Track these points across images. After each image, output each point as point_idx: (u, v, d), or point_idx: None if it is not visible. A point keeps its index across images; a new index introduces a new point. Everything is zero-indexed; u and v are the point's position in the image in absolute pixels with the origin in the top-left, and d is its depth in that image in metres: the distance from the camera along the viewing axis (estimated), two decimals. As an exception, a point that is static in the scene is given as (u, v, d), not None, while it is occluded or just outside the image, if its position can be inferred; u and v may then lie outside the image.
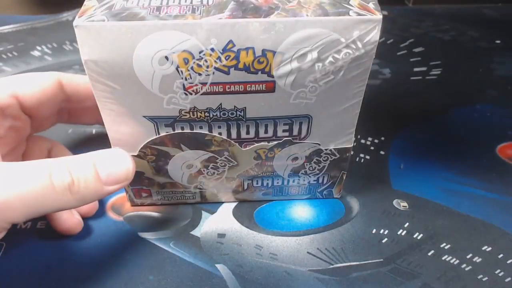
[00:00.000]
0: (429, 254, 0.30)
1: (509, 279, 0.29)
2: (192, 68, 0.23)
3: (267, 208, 0.33)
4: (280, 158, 0.29)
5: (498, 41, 0.55)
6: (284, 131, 0.27)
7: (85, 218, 0.32)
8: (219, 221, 0.32)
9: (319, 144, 0.29)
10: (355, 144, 0.39)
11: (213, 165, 0.30)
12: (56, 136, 0.36)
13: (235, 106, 0.26)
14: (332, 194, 0.33)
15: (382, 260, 0.30)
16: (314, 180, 0.32)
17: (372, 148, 0.39)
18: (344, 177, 0.32)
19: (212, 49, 0.23)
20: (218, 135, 0.27)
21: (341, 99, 0.26)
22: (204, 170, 0.30)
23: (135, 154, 0.28)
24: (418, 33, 0.57)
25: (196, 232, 0.31)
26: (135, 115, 0.26)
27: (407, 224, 0.32)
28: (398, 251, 0.30)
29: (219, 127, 0.27)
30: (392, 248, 0.31)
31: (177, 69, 0.23)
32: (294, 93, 0.25)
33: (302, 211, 0.33)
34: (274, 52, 0.23)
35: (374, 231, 0.32)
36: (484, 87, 0.47)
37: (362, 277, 0.29)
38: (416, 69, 0.50)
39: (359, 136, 0.40)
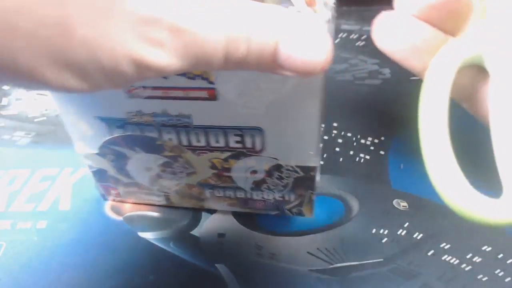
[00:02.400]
0: (429, 254, 0.30)
1: (509, 279, 0.29)
2: None
3: (267, 208, 0.33)
4: (238, 170, 0.28)
5: (498, 41, 0.55)
6: (236, 142, 0.27)
7: (85, 218, 0.32)
8: (219, 221, 0.32)
9: (278, 159, 0.27)
10: (354, 143, 0.39)
11: (170, 170, 0.29)
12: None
13: (180, 113, 0.25)
14: (302, 213, 0.32)
15: (382, 260, 0.30)
16: (280, 197, 0.30)
17: (372, 148, 0.39)
18: (313, 198, 0.30)
19: None
20: (169, 141, 0.27)
21: (293, 116, 0.25)
22: (163, 174, 0.30)
23: (96, 152, 0.28)
24: (418, 33, 0.57)
25: (196, 232, 0.31)
26: (88, 116, 0.26)
27: (407, 224, 0.32)
28: (398, 251, 0.30)
29: (168, 132, 0.26)
30: (392, 248, 0.31)
31: None
32: (238, 102, 0.24)
33: (302, 211, 0.33)
34: None
35: (374, 231, 0.32)
36: (484, 87, 0.47)
37: (362, 277, 0.29)
38: (416, 69, 0.50)
39: (359, 136, 0.40)
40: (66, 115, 0.27)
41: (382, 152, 0.38)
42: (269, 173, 0.28)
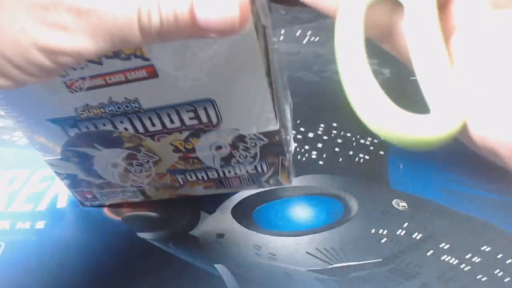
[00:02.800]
0: (428, 254, 0.30)
1: (508, 279, 0.29)
2: None
3: (266, 208, 0.33)
4: (202, 148, 0.28)
5: (498, 41, 0.55)
6: (191, 118, 0.26)
7: (84, 218, 0.32)
8: (218, 221, 0.32)
9: (238, 130, 0.26)
10: (354, 144, 0.39)
11: (136, 163, 0.29)
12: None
13: (126, 98, 0.24)
14: (279, 182, 0.31)
15: (381, 260, 0.30)
16: (253, 170, 0.30)
17: (371, 148, 0.39)
18: (287, 164, 0.29)
19: None
20: (125, 131, 0.26)
21: (238, 79, 0.24)
22: (130, 168, 0.29)
23: (59, 157, 0.28)
24: (418, 33, 0.57)
25: (195, 232, 0.31)
26: (40, 120, 0.25)
27: (406, 224, 0.32)
28: (397, 251, 0.30)
29: (121, 122, 0.26)
30: (391, 248, 0.30)
31: None
32: (180, 75, 0.23)
33: (301, 211, 0.33)
34: None
35: (373, 231, 0.32)
36: (484, 87, 0.47)
37: (361, 277, 0.29)
38: (415, 69, 0.49)
39: (358, 136, 0.40)
40: (20, 123, 0.26)
41: (381, 152, 0.38)
42: (234, 146, 0.28)
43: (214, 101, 0.25)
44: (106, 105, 0.25)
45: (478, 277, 0.29)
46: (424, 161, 0.37)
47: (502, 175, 0.36)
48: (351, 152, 0.38)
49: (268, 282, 0.28)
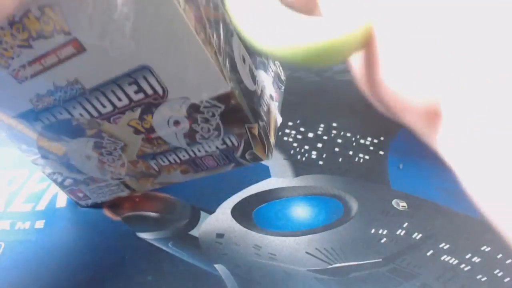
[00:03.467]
0: (428, 254, 0.30)
1: (508, 279, 0.29)
2: (2, 54, 0.23)
3: (265, 208, 0.33)
4: (160, 126, 0.27)
5: (498, 41, 0.55)
6: (136, 92, 0.25)
7: (83, 218, 0.32)
8: (218, 221, 0.32)
9: (189, 98, 0.25)
10: (354, 144, 0.39)
11: (106, 151, 0.29)
12: None
13: (67, 81, 0.24)
14: (257, 157, 0.29)
15: (381, 260, 0.30)
16: (222, 144, 0.28)
17: (371, 148, 0.39)
18: (256, 131, 0.27)
19: (2, 28, 0.22)
20: (81, 117, 0.26)
21: (167, 39, 0.22)
22: (103, 158, 0.29)
23: (39, 155, 0.28)
24: (418, 33, 0.57)
25: (195, 232, 0.31)
26: (9, 118, 0.26)
27: (406, 224, 0.32)
28: (397, 251, 0.30)
29: (74, 107, 0.26)
30: (391, 248, 0.30)
31: None
32: (106, 44, 0.22)
33: (301, 211, 0.33)
34: (50, 5, 0.21)
35: (373, 231, 0.32)
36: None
37: (361, 277, 0.29)
38: (415, 69, 0.50)
39: (358, 136, 0.40)
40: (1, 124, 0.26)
41: (381, 152, 0.38)
42: (191, 118, 0.26)
43: (151, 67, 0.24)
44: (54, 91, 0.25)
45: (478, 277, 0.29)
46: (424, 161, 0.37)
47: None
48: (351, 152, 0.38)
49: (268, 282, 0.28)
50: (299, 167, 0.37)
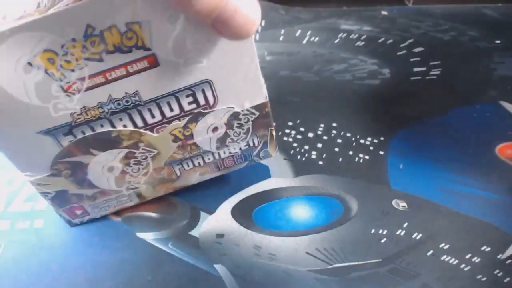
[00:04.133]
0: (428, 254, 0.30)
1: (508, 279, 0.29)
2: (62, 66, 0.22)
3: (265, 208, 0.33)
4: (199, 133, 0.28)
5: (498, 41, 0.55)
6: (190, 103, 0.26)
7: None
8: (218, 221, 0.32)
9: (233, 108, 0.27)
10: (354, 144, 0.39)
11: (134, 161, 0.28)
12: None
13: (126, 93, 0.24)
14: (268, 154, 0.32)
15: (381, 260, 0.30)
16: (245, 146, 0.30)
17: (371, 148, 0.39)
18: (274, 133, 0.30)
19: (74, 40, 0.21)
20: (124, 128, 0.26)
21: (234, 58, 0.24)
22: (127, 169, 0.28)
23: (49, 174, 0.26)
24: (418, 33, 0.57)
25: (195, 232, 0.31)
26: (28, 134, 0.24)
27: (406, 224, 0.32)
28: (397, 251, 0.30)
29: (121, 119, 0.25)
30: (391, 248, 0.30)
31: (46, 72, 0.22)
32: (181, 61, 0.23)
33: (301, 211, 0.33)
34: (139, 23, 0.21)
35: (373, 231, 0.32)
36: (484, 87, 0.47)
37: (361, 277, 0.29)
38: (415, 69, 0.50)
39: (358, 136, 0.40)
40: (3, 141, 0.24)
41: (381, 152, 0.38)
42: (229, 124, 0.28)
43: (212, 81, 0.25)
44: (105, 104, 0.24)
45: (478, 277, 0.29)
46: (424, 161, 0.37)
47: (501, 175, 0.36)
48: (351, 152, 0.38)
49: (268, 282, 0.28)
50: (299, 167, 0.37)
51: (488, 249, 0.30)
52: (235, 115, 0.28)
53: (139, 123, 0.26)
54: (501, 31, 0.57)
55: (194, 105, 0.26)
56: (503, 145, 0.39)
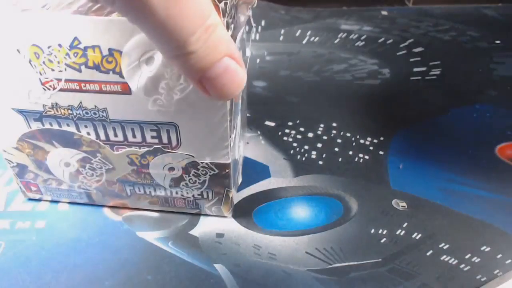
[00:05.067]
0: (428, 254, 0.30)
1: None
2: (44, 63, 0.23)
3: (265, 207, 0.33)
4: (155, 166, 0.29)
5: (498, 41, 0.55)
6: (153, 137, 0.27)
7: (83, 218, 0.32)
8: (218, 221, 0.32)
9: (193, 156, 0.28)
10: (354, 144, 0.39)
11: (89, 166, 0.29)
12: None
13: (95, 106, 0.25)
14: (221, 212, 0.32)
15: (380, 260, 0.30)
16: (199, 195, 0.31)
17: (371, 148, 0.39)
18: (231, 196, 0.31)
19: (60, 45, 0.23)
20: (87, 135, 0.27)
21: (204, 110, 0.25)
22: (82, 170, 0.30)
23: (14, 146, 0.29)
24: (418, 33, 0.57)
25: (195, 231, 0.31)
26: (5, 108, 0.26)
27: (405, 224, 0.32)
28: (396, 251, 0.30)
29: (86, 126, 0.27)
30: (391, 248, 0.30)
31: (30, 62, 0.24)
32: (150, 99, 0.24)
33: (301, 211, 0.33)
34: (120, 52, 0.23)
35: (372, 231, 0.32)
36: (484, 87, 0.47)
37: (361, 277, 0.29)
38: (415, 69, 0.50)
39: (358, 136, 0.40)
40: None
41: (381, 152, 0.38)
42: (185, 170, 0.29)
43: (178, 126, 0.26)
44: (75, 108, 0.26)
45: (478, 277, 0.29)
46: (424, 161, 0.37)
47: (501, 175, 0.36)
48: (350, 152, 0.38)
49: (268, 282, 0.28)
50: (299, 167, 0.37)
51: (488, 249, 0.30)
52: (194, 164, 0.28)
53: (102, 136, 0.27)
54: (501, 31, 0.57)
55: (156, 140, 0.27)
56: (503, 145, 0.39)
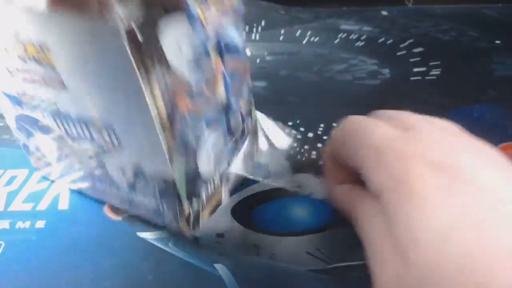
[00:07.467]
0: (428, 254, 0.30)
1: (508, 279, 0.29)
2: (5, 49, 0.25)
3: (266, 208, 0.33)
4: (110, 165, 0.28)
5: (498, 42, 0.55)
6: (97, 134, 0.26)
7: (83, 218, 0.32)
8: (218, 221, 0.32)
9: (139, 162, 0.26)
10: (354, 144, 0.39)
11: (65, 155, 0.30)
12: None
13: (47, 99, 0.26)
14: (179, 229, 0.30)
15: (381, 260, 0.30)
16: (155, 205, 0.29)
17: (371, 148, 0.39)
18: (188, 211, 0.28)
19: (16, 36, 0.23)
20: (52, 126, 0.28)
21: (131, 117, 0.23)
22: (62, 157, 0.31)
23: (15, 126, 0.31)
24: (418, 33, 0.57)
25: (195, 232, 0.31)
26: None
27: (406, 224, 0.32)
28: (397, 251, 0.30)
29: (45, 116, 0.28)
30: (391, 248, 0.30)
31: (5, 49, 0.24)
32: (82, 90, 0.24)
33: (301, 211, 0.33)
34: (49, 50, 0.23)
35: (373, 231, 0.32)
36: (484, 87, 0.47)
37: (361, 277, 0.29)
38: (415, 69, 0.50)
39: (358, 136, 0.40)
40: None
41: (381, 152, 0.38)
42: (136, 175, 0.27)
43: (114, 128, 0.25)
44: (34, 98, 0.27)
45: (478, 277, 0.29)
46: (424, 161, 0.37)
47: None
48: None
49: (268, 282, 0.28)
50: (299, 167, 0.37)
51: (488, 249, 0.30)
52: (142, 170, 0.27)
53: (61, 128, 0.28)
54: (501, 31, 0.57)
55: (101, 137, 0.26)
56: (503, 145, 0.39)
